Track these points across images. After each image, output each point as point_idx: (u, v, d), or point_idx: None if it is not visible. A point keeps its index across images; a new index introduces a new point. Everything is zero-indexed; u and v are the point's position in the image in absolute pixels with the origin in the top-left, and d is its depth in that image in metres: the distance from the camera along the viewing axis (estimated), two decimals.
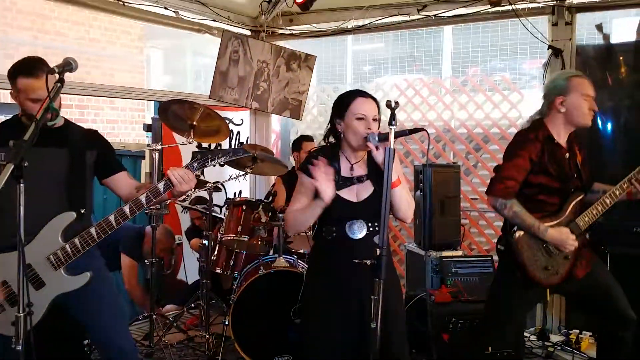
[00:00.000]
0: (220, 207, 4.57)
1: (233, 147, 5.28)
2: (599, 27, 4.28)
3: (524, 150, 2.62)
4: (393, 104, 2.13)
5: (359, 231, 2.33)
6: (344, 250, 2.31)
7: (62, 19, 7.65)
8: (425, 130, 2.39)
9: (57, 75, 2.08)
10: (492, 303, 2.91)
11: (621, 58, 4.19)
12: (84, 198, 2.49)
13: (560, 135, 2.69)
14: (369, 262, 2.15)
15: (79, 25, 7.79)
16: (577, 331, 3.96)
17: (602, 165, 4.13)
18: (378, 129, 2.34)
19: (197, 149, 4.87)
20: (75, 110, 7.41)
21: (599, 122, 4.20)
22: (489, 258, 4.03)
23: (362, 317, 2.26)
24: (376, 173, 2.32)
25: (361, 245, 2.31)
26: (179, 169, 2.34)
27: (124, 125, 8.11)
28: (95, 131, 2.65)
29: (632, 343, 2.74)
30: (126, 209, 2.37)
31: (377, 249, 2.10)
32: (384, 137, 2.21)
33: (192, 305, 4.14)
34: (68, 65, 2.11)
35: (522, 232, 2.62)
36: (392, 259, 2.59)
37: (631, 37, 4.20)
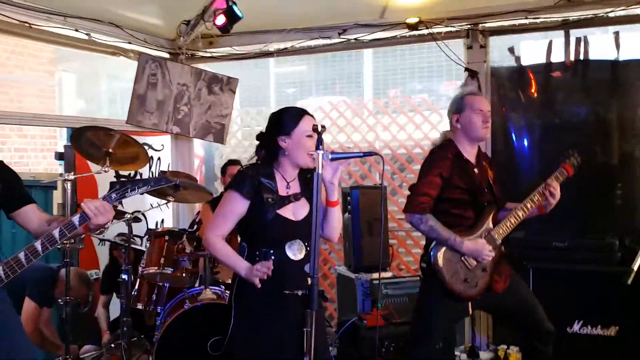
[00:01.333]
0: (141, 238, 4.34)
1: (154, 174, 5.07)
2: (511, 50, 4.49)
3: (435, 167, 2.76)
4: (320, 128, 2.11)
5: (299, 252, 2.31)
6: (279, 276, 2.24)
7: None
8: (380, 154, 2.42)
9: None
10: (417, 320, 2.97)
11: (532, 78, 4.39)
12: None
13: (467, 150, 2.84)
14: (300, 293, 2.10)
15: None
16: (505, 346, 4.04)
17: (519, 181, 4.29)
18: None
19: (115, 178, 4.70)
20: None
21: (514, 139, 4.37)
22: (418, 278, 4.06)
23: (294, 350, 2.18)
24: (310, 191, 2.29)
25: (295, 270, 2.28)
26: (94, 200, 2.19)
27: (34, 154, 7.61)
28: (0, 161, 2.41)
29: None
30: (38, 245, 2.19)
31: (309, 278, 2.06)
32: (340, 157, 2.23)
33: (112, 345, 3.86)
34: None
35: (441, 247, 2.71)
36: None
37: (541, 59, 4.42)
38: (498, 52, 4.60)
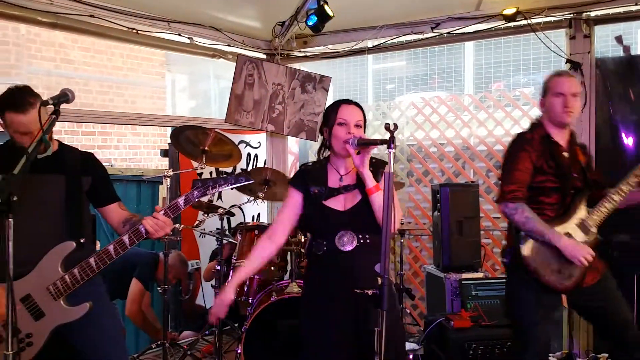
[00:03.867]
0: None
1: (248, 170, 5.27)
2: (619, 39, 4.15)
3: (522, 151, 2.60)
4: (392, 127, 2.09)
5: (348, 243, 2.29)
6: (335, 267, 2.28)
7: (84, 48, 7.83)
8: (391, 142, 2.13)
9: (51, 107, 2.08)
10: (513, 324, 2.77)
11: None
12: (82, 226, 2.47)
13: (556, 134, 2.66)
14: (370, 292, 2.10)
15: (100, 54, 7.97)
16: (606, 355, 3.76)
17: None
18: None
19: (210, 175, 4.95)
20: (98, 137, 7.55)
21: (621, 136, 4.04)
22: None
23: (359, 347, 2.19)
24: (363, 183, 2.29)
25: (347, 261, 2.27)
26: (154, 218, 2.32)
27: (146, 151, 8.20)
28: (91, 155, 2.60)
29: None
30: (126, 239, 2.36)
31: (379, 278, 2.05)
32: (363, 142, 2.22)
33: (207, 332, 4.08)
34: (64, 97, 2.11)
35: (529, 239, 2.55)
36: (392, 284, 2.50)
37: None
38: (604, 42, 4.28)
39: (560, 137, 2.67)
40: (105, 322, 2.47)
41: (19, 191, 1.84)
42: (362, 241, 2.28)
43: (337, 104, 2.38)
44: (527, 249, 2.55)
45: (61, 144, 2.54)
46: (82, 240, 2.40)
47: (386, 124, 2.11)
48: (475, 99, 5.70)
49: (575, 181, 2.62)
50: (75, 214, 2.44)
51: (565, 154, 2.64)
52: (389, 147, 2.07)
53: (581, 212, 2.60)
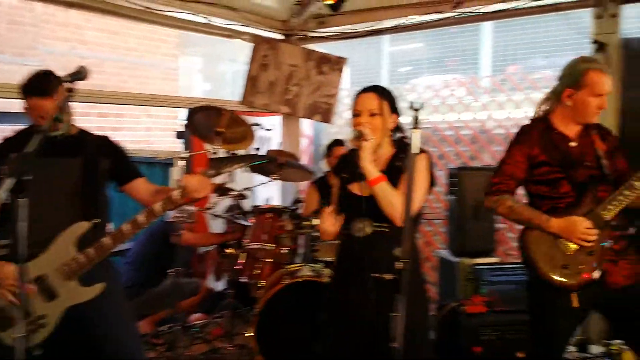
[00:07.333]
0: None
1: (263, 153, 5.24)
2: None
3: (517, 144, 2.49)
4: (416, 106, 2.03)
5: (362, 229, 2.28)
6: (352, 253, 2.29)
7: (99, 29, 7.82)
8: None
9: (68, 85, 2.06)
10: (531, 319, 2.58)
11: None
12: (97, 208, 2.46)
13: (567, 124, 2.48)
14: (388, 277, 2.08)
15: (115, 34, 7.94)
16: (620, 342, 3.69)
17: None
18: (390, 120, 2.33)
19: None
20: (112, 118, 7.57)
21: None
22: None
23: (376, 331, 2.17)
24: (392, 172, 2.27)
25: (369, 247, 2.24)
26: (195, 176, 2.33)
27: (160, 133, 8.20)
28: (107, 137, 2.60)
29: None
30: (141, 217, 2.37)
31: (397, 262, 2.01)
32: (356, 136, 2.24)
33: (218, 315, 4.09)
34: (79, 74, 2.09)
35: (530, 230, 2.42)
36: (419, 266, 2.44)
37: None
38: (632, 23, 4.14)
39: (569, 128, 2.48)
40: (119, 304, 2.47)
41: (32, 170, 1.82)
42: (377, 229, 2.26)
43: (357, 93, 2.37)
44: (529, 242, 2.41)
45: (80, 129, 2.53)
46: (96, 221, 2.39)
47: (411, 102, 2.04)
48: (494, 81, 5.59)
49: (587, 170, 2.43)
50: (91, 196, 2.43)
51: (573, 144, 2.46)
52: (413, 127, 2.02)
53: (591, 201, 2.39)
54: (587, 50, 4.13)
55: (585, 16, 4.11)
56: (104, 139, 2.58)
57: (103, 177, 2.50)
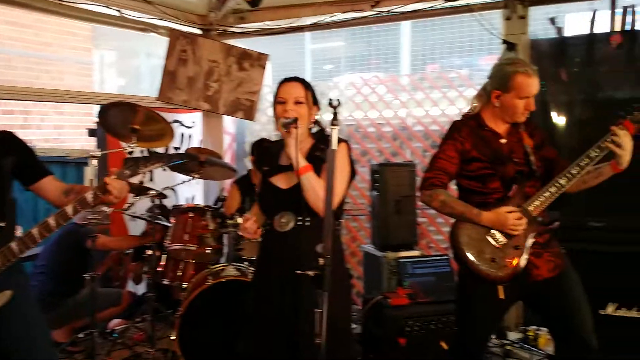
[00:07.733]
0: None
1: (183, 151, 5.10)
2: (552, 21, 4.23)
3: (450, 139, 2.55)
4: (335, 103, 2.04)
5: (285, 224, 2.26)
6: (275, 248, 2.28)
7: (10, 22, 7.30)
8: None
9: None
10: (456, 310, 2.69)
11: (574, 52, 4.14)
12: (3, 210, 2.27)
13: (496, 123, 2.58)
14: (311, 273, 2.05)
15: (27, 28, 7.46)
16: (535, 327, 3.90)
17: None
18: (313, 112, 2.34)
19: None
20: (19, 116, 7.05)
21: (554, 115, 4.15)
22: (446, 256, 3.96)
23: (299, 327, 2.16)
24: (313, 162, 2.25)
25: (283, 243, 2.24)
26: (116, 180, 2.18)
27: (72, 131, 7.78)
28: (10, 133, 2.39)
29: None
30: (51, 221, 2.21)
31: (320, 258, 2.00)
32: (287, 122, 2.21)
33: (139, 319, 3.93)
34: None
35: (461, 224, 2.48)
36: (343, 261, 2.44)
37: (584, 31, 4.15)
38: (539, 25, 4.37)
39: (500, 126, 2.58)
40: (29, 312, 2.30)
41: None
42: (300, 222, 2.23)
43: (281, 82, 2.36)
44: (460, 235, 2.46)
45: None
46: (1, 225, 2.22)
47: (329, 100, 2.06)
48: (413, 80, 5.73)
49: (516, 166, 2.52)
50: None
51: (503, 140, 2.55)
52: (332, 124, 2.04)
53: (520, 197, 2.47)
54: (500, 50, 4.33)
55: (497, 17, 4.28)
56: (6, 134, 2.37)
57: (7, 177, 2.31)
